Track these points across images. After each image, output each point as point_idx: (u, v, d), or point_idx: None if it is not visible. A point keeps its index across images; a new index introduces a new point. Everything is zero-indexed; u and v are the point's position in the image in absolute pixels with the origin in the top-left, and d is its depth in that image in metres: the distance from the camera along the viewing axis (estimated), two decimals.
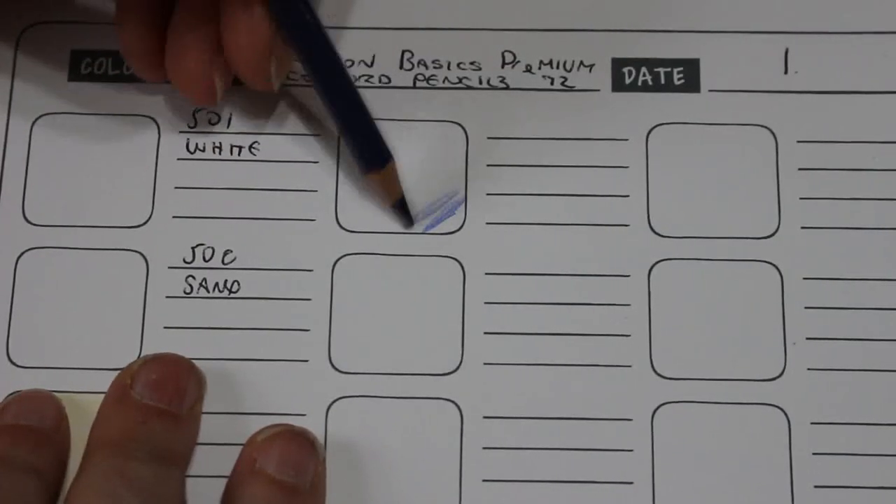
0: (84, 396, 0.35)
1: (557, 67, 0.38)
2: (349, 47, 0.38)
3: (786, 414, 0.35)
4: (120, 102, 0.38)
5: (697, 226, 0.37)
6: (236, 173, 0.37)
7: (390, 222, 0.37)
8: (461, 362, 0.36)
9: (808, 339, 0.36)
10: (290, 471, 0.33)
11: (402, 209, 0.37)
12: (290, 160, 0.37)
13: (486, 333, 0.36)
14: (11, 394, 0.35)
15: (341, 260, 0.37)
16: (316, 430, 0.35)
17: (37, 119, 0.38)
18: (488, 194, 0.37)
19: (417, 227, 0.37)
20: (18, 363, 0.36)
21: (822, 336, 0.36)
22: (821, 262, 0.36)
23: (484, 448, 0.35)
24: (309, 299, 0.36)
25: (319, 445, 0.34)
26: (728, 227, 0.37)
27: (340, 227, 0.37)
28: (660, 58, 0.38)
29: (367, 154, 0.36)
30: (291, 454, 0.33)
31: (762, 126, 0.38)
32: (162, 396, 0.34)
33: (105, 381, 0.35)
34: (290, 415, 0.35)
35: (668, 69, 0.38)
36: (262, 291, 0.36)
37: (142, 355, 0.36)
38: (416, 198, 0.37)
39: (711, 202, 0.37)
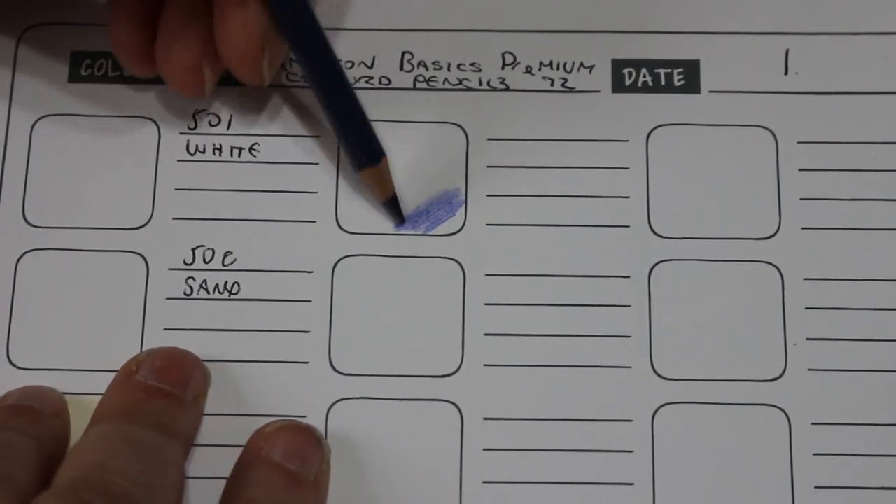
0: (84, 397, 0.35)
1: (558, 69, 0.38)
2: (349, 49, 0.38)
3: (786, 415, 0.35)
4: (120, 104, 0.38)
5: (698, 227, 0.37)
6: (236, 175, 0.37)
7: (391, 224, 0.37)
8: (461, 364, 0.36)
9: (808, 339, 0.36)
10: (296, 461, 0.33)
11: (393, 206, 0.37)
12: (291, 162, 0.37)
13: (486, 335, 0.36)
14: None
15: (341, 261, 0.37)
16: None
17: (37, 120, 0.38)
18: (488, 195, 0.37)
19: (417, 229, 0.37)
20: (18, 365, 0.36)
21: (823, 337, 0.36)
22: (821, 263, 0.36)
23: (484, 449, 0.35)
24: (309, 301, 0.36)
25: (325, 443, 0.35)
26: (728, 227, 0.37)
27: (340, 228, 0.37)
28: (660, 59, 0.38)
29: (361, 151, 0.36)
30: (297, 445, 0.34)
31: (762, 127, 0.38)
32: (166, 380, 0.34)
33: (105, 383, 0.35)
34: (291, 416, 0.35)
35: (669, 70, 0.38)
36: (262, 293, 0.36)
37: (147, 349, 0.36)
38: (417, 198, 0.37)
39: (712, 203, 0.37)
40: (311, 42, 0.35)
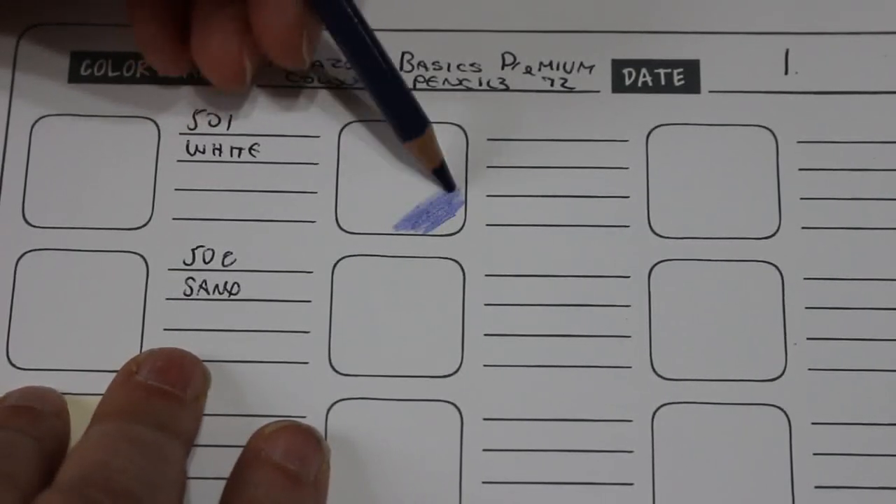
0: (84, 397, 0.35)
1: (557, 69, 0.38)
2: None
3: (786, 414, 0.35)
4: (120, 104, 0.38)
5: (698, 226, 0.37)
6: (236, 175, 0.37)
7: (390, 223, 0.37)
8: (461, 364, 0.36)
9: (808, 339, 0.36)
10: (296, 461, 0.33)
11: (443, 173, 0.37)
12: (291, 162, 0.37)
13: (486, 335, 0.36)
14: None
15: (341, 262, 0.37)
16: None
17: (37, 121, 0.38)
18: (488, 196, 0.37)
19: (417, 229, 0.37)
20: (18, 365, 0.36)
21: (823, 336, 0.36)
22: (821, 262, 0.36)
23: (484, 450, 0.35)
24: (309, 301, 0.36)
25: (325, 445, 0.35)
26: (728, 227, 0.37)
27: (340, 228, 0.37)
28: (660, 59, 0.38)
29: (407, 122, 0.36)
30: (297, 446, 0.34)
31: (762, 127, 0.38)
32: (166, 380, 0.34)
33: (105, 383, 0.35)
34: (290, 417, 0.35)
35: (669, 70, 0.38)
36: (262, 293, 0.36)
37: (148, 349, 0.36)
38: (417, 198, 0.37)
39: (712, 203, 0.37)
40: (348, 19, 0.35)
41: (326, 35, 0.37)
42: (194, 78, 0.38)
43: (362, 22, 0.35)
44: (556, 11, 0.39)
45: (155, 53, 0.36)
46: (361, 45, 0.35)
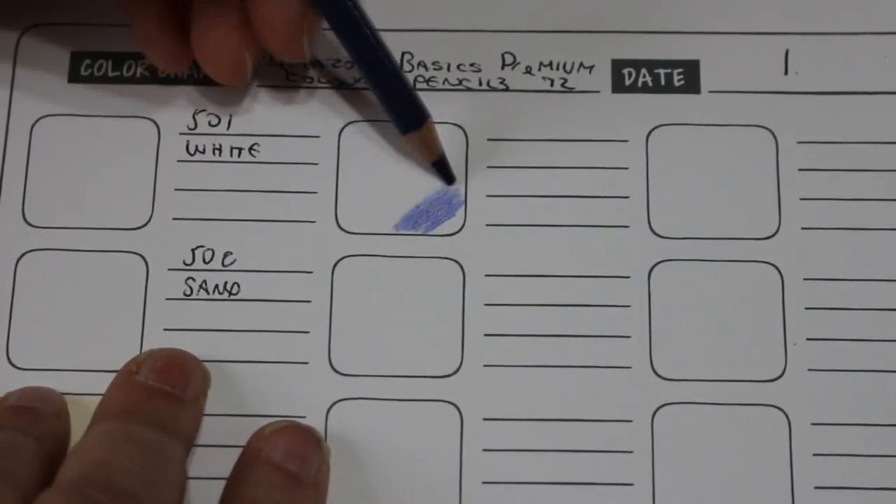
0: (84, 397, 0.35)
1: (557, 69, 0.38)
2: None
3: (786, 415, 0.35)
4: (120, 104, 0.38)
5: (697, 227, 0.37)
6: (236, 175, 0.37)
7: (390, 223, 0.37)
8: (461, 364, 0.36)
9: (808, 339, 0.36)
10: (296, 461, 0.33)
11: (442, 166, 0.37)
12: (290, 162, 0.37)
13: (485, 335, 0.36)
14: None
15: (341, 262, 0.37)
16: None
17: (37, 121, 0.38)
18: (488, 196, 0.37)
19: (417, 229, 0.37)
20: (18, 365, 0.36)
21: (823, 337, 0.36)
22: (821, 263, 0.36)
23: (484, 450, 0.35)
24: (309, 301, 0.36)
25: (325, 445, 0.35)
26: (728, 227, 0.37)
27: (340, 228, 0.37)
28: (660, 59, 0.38)
29: (406, 114, 0.36)
30: (297, 446, 0.34)
31: (762, 127, 0.38)
32: (167, 380, 0.34)
33: (105, 383, 0.35)
34: (290, 417, 0.35)
35: (669, 70, 0.38)
36: (261, 293, 0.36)
37: (148, 349, 0.36)
38: (416, 198, 0.37)
39: (711, 203, 0.37)
40: (348, 11, 0.35)
41: (327, 36, 0.37)
42: (194, 78, 0.38)
43: (362, 14, 0.35)
44: (556, 11, 0.39)
45: (155, 50, 0.36)
46: (361, 37, 0.35)
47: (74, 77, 0.38)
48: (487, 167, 0.37)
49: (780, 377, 0.36)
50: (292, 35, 0.35)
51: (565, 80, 0.38)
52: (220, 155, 0.38)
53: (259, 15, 0.34)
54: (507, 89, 0.38)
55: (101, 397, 0.35)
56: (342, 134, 0.38)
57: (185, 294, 0.36)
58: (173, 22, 0.36)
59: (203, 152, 0.38)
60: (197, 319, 0.36)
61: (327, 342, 0.36)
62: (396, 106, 0.36)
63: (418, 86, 0.38)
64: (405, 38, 0.39)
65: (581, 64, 0.38)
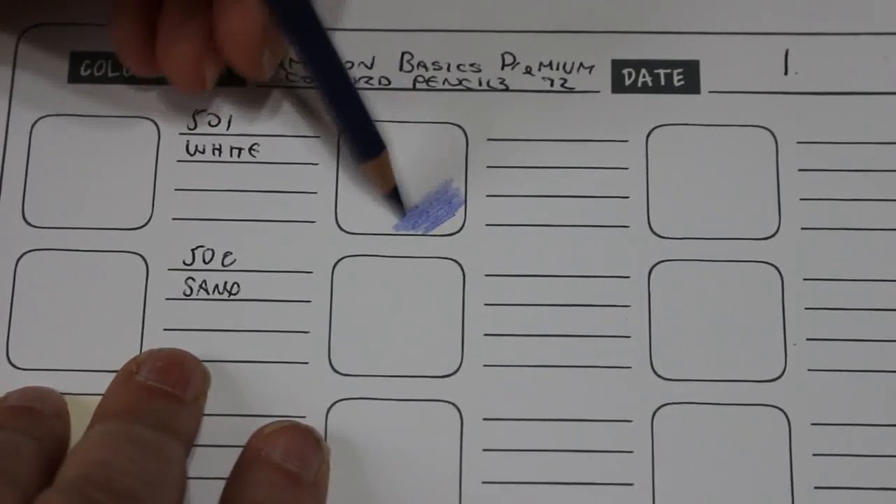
0: (84, 397, 0.35)
1: (557, 69, 0.38)
2: (349, 49, 0.38)
3: (786, 415, 0.35)
4: (120, 104, 0.38)
5: (697, 227, 0.37)
6: (236, 175, 0.37)
7: (390, 223, 0.37)
8: (461, 364, 0.36)
9: (808, 339, 0.36)
10: (295, 461, 0.33)
11: (395, 198, 0.37)
12: (290, 162, 0.37)
13: (485, 335, 0.36)
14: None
15: (341, 262, 0.37)
16: None
17: (37, 121, 0.38)
18: (488, 196, 0.37)
19: (417, 229, 0.37)
20: (18, 365, 0.36)
21: (823, 337, 0.36)
22: (821, 263, 0.36)
23: (484, 450, 0.35)
24: (309, 301, 0.36)
25: (325, 445, 0.35)
26: (728, 228, 0.37)
27: (340, 228, 0.37)
28: (660, 59, 0.38)
29: (362, 143, 0.36)
30: (297, 446, 0.34)
31: (762, 127, 0.38)
32: (167, 380, 0.34)
33: (105, 383, 0.35)
34: (290, 417, 0.35)
35: (668, 70, 0.38)
36: (261, 293, 0.36)
37: (148, 349, 0.36)
38: (416, 198, 0.37)
39: (711, 203, 0.37)
40: (310, 34, 0.35)
41: None
42: None
43: (325, 36, 0.35)
44: (556, 11, 0.39)
45: (125, 53, 0.36)
46: (325, 61, 0.35)
47: (74, 77, 0.38)
48: (487, 167, 0.37)
49: (779, 377, 0.36)
50: (253, 51, 0.35)
51: (565, 80, 0.38)
52: (219, 155, 0.38)
53: (221, 28, 0.34)
54: (506, 89, 0.38)
55: (101, 397, 0.35)
56: (342, 134, 0.38)
57: (184, 294, 0.36)
58: (148, 30, 0.36)
59: (203, 152, 0.38)
60: (197, 319, 0.36)
61: (327, 342, 0.36)
62: (353, 134, 0.36)
63: (418, 86, 0.38)
64: (405, 38, 0.39)
65: (581, 64, 0.38)
